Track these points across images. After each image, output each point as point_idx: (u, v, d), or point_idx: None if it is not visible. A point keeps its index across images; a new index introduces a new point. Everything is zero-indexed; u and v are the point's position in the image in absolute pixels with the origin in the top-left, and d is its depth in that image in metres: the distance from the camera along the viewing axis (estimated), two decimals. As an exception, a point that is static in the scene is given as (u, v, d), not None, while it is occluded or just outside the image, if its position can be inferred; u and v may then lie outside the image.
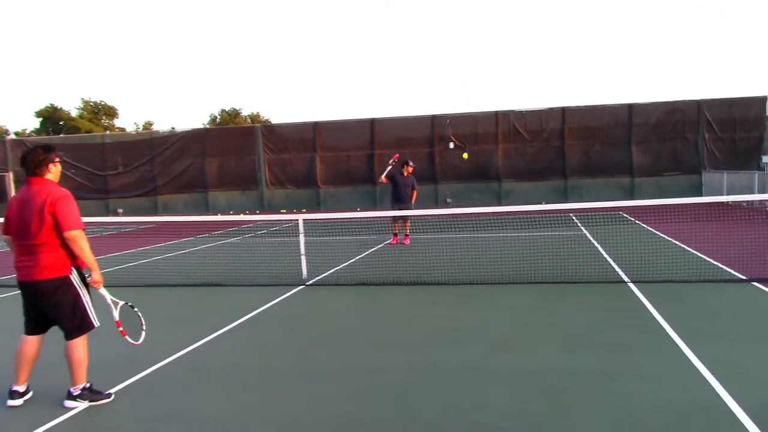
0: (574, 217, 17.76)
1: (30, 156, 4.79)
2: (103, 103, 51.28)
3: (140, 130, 48.64)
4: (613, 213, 18.31)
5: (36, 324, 4.84)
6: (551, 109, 25.46)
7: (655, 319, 6.73)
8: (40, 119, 50.03)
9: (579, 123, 25.16)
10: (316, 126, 27.40)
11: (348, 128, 27.24)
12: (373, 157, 26.47)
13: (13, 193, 29.84)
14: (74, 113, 49.92)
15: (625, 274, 9.14)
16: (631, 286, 8.45)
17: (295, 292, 9.05)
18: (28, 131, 50.20)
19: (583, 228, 15.36)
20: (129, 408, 4.78)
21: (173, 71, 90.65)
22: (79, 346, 4.76)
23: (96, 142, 29.77)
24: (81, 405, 4.75)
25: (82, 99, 51.84)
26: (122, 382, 5.31)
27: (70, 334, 4.74)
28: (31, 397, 4.92)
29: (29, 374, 4.89)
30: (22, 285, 4.76)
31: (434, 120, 26.21)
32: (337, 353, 6.02)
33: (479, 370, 5.30)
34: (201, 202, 28.40)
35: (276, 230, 18.11)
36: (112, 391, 5.04)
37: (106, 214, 28.67)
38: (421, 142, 26.36)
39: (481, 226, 15.69)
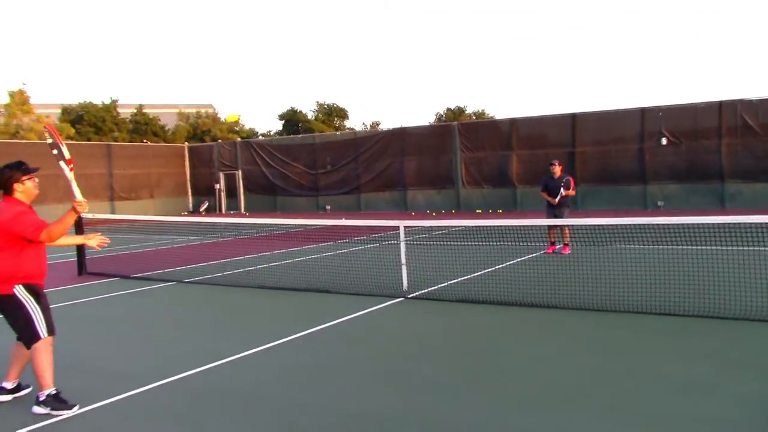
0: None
1: None
2: (335, 105, 54.82)
3: (368, 129, 50.97)
4: None
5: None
6: (793, 96, 21.18)
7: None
8: (283, 122, 55.01)
9: (829, 112, 20.59)
10: (512, 122, 26.12)
11: (547, 124, 25.52)
12: (574, 155, 24.46)
13: (242, 189, 33.17)
14: (310, 116, 54.07)
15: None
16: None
17: (387, 305, 8.43)
18: (272, 132, 55.54)
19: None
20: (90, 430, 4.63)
21: (401, 71, 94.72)
22: (39, 354, 4.86)
23: (308, 143, 31.78)
24: (45, 411, 4.79)
25: (317, 102, 55.93)
26: (113, 396, 5.21)
27: (26, 344, 4.94)
28: (22, 396, 5.17)
29: (19, 373, 5.18)
30: None
31: (644, 113, 23.35)
32: (358, 388, 5.31)
33: None
34: (400, 201, 28.78)
35: (425, 236, 17.41)
36: (94, 406, 4.97)
37: (316, 211, 30.53)
38: (627, 138, 23.69)
39: (692, 235, 12.63)
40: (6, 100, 42.42)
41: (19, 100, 42.81)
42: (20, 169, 4.99)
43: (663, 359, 5.68)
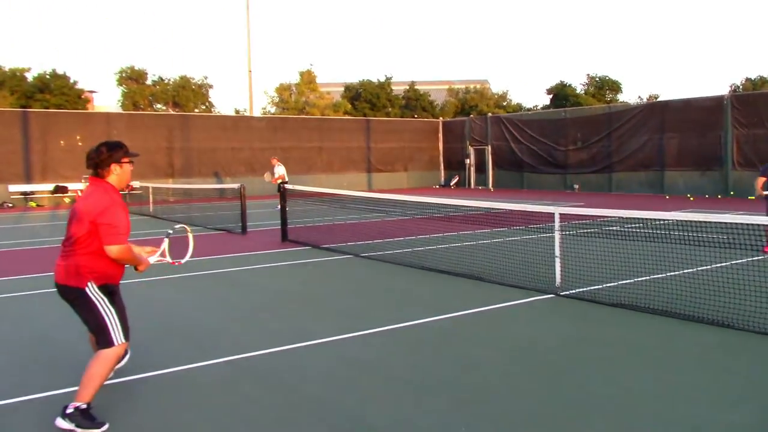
0: None
1: (92, 153, 4.43)
2: (607, 77, 51.13)
3: (642, 102, 46.73)
4: None
5: None
6: None
7: None
8: (551, 96, 53.03)
9: None
10: (802, 93, 21.49)
11: None
12: None
13: (491, 165, 32.79)
14: (579, 89, 51.22)
15: None
16: None
17: (530, 301, 7.48)
18: (539, 107, 53.90)
19: None
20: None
21: (687, 39, 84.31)
22: (102, 362, 4.28)
23: (558, 117, 30.01)
24: (68, 427, 4.14)
25: (588, 75, 52.74)
26: (175, 366, 5.36)
27: (98, 344, 4.39)
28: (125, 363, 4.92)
29: None
30: (55, 284, 4.46)
31: None
32: (388, 400, 4.75)
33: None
34: (656, 182, 25.75)
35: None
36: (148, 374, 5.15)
37: (563, 190, 28.86)
38: None
39: None
40: (296, 79, 47.71)
41: (307, 79, 47.81)
42: (122, 148, 4.47)
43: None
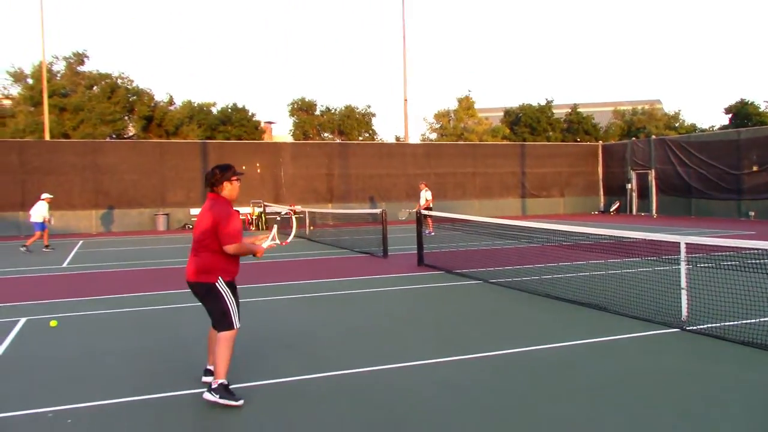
0: None
1: (208, 175, 5.50)
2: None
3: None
4: None
5: None
6: None
7: None
8: (729, 115, 49.00)
9: None
10: None
11: None
12: None
13: (654, 190, 30.96)
14: (763, 107, 46.81)
15: None
16: None
17: (651, 335, 7.14)
18: (716, 128, 49.92)
19: None
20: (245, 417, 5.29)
21: None
22: (225, 342, 5.26)
23: (731, 139, 27.64)
24: (214, 399, 5.14)
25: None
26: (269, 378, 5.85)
27: (217, 327, 5.37)
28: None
29: None
30: (187, 282, 5.47)
31: None
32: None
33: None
34: None
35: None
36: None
37: (737, 218, 26.51)
38: None
39: None
40: (454, 105, 48.39)
41: (465, 105, 48.32)
42: (231, 169, 5.50)
43: None
